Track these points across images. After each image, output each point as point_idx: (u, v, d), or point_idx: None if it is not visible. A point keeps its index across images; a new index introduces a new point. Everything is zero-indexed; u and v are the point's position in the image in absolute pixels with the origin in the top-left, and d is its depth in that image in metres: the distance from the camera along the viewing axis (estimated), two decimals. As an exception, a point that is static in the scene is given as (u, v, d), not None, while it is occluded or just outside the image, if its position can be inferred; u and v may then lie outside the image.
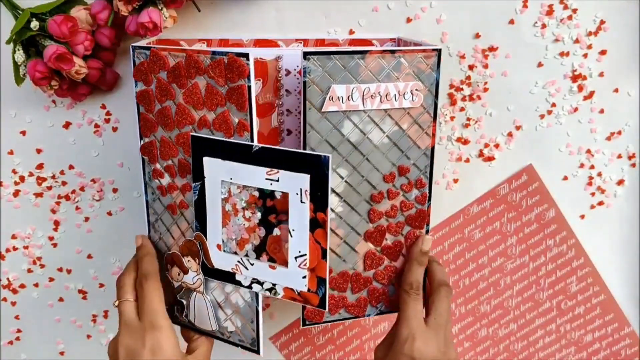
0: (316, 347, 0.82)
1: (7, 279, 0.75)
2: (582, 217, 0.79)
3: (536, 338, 0.83)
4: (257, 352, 0.61)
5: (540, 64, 0.72)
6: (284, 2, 0.68)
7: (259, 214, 0.55)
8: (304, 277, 0.55)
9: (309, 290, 0.55)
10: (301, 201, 0.52)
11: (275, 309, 0.80)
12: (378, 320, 0.81)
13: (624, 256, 0.81)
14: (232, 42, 0.68)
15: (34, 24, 0.60)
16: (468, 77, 0.72)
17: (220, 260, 0.58)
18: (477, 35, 0.70)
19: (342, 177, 0.59)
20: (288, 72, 0.56)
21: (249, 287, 0.58)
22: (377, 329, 0.82)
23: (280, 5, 0.68)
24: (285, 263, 0.55)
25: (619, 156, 0.77)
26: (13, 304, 0.77)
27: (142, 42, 0.62)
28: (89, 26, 0.62)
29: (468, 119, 0.73)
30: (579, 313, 0.83)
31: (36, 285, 0.76)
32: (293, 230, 0.54)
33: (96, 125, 0.71)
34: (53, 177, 0.72)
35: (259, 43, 0.68)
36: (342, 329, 0.81)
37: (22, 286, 0.76)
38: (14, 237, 0.74)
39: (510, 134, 0.74)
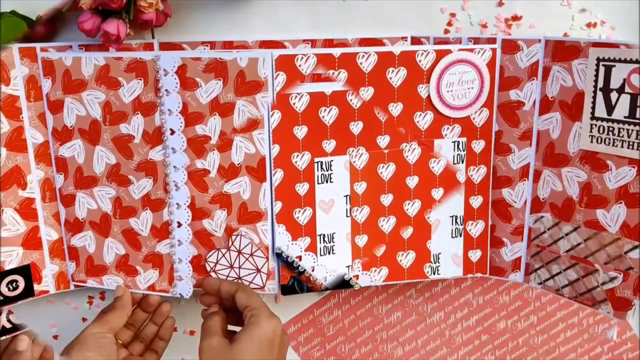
0: (326, 338, 0.79)
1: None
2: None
3: (557, 331, 0.81)
4: None
5: (566, 35, 0.69)
6: (290, 3, 0.66)
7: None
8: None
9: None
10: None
11: (283, 298, 0.76)
12: (391, 310, 0.78)
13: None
14: (237, 44, 0.66)
15: None
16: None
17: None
18: (501, 3, 0.68)
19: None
20: (166, 72, 0.59)
21: None
22: (390, 319, 0.78)
23: (287, 5, 0.66)
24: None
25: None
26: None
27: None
28: None
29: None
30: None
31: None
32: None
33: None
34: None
35: (265, 44, 0.66)
36: (354, 319, 0.78)
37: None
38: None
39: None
